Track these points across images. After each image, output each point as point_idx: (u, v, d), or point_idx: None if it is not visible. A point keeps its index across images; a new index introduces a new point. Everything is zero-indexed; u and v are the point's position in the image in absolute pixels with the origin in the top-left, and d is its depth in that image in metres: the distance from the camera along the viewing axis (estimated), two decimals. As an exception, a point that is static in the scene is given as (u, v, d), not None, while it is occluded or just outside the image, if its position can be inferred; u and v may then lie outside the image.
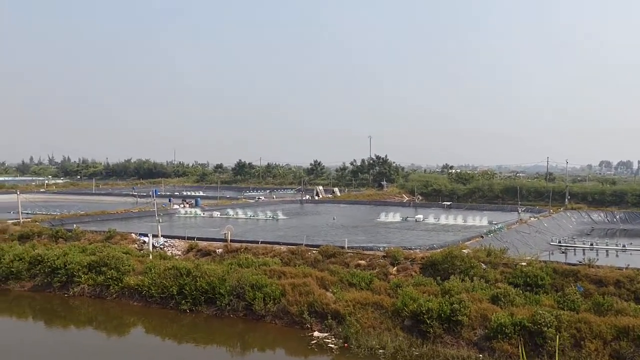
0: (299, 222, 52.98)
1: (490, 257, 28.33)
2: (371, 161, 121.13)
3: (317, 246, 32.76)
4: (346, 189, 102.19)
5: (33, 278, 29.82)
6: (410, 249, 31.62)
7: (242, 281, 25.17)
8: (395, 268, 28.68)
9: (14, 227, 42.23)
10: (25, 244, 34.96)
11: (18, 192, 53.42)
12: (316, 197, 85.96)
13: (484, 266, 27.15)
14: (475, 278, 25.19)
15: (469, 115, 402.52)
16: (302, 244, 33.29)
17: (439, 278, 25.71)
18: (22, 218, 46.95)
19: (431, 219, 54.05)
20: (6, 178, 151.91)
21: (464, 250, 29.21)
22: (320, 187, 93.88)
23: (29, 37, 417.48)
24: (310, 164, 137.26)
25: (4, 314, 26.97)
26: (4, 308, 27.52)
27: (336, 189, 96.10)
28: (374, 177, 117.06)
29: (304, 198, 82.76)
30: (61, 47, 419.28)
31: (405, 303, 22.09)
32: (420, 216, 55.60)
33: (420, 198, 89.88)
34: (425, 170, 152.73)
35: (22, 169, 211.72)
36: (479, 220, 52.16)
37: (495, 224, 47.44)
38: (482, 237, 38.90)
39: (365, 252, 31.28)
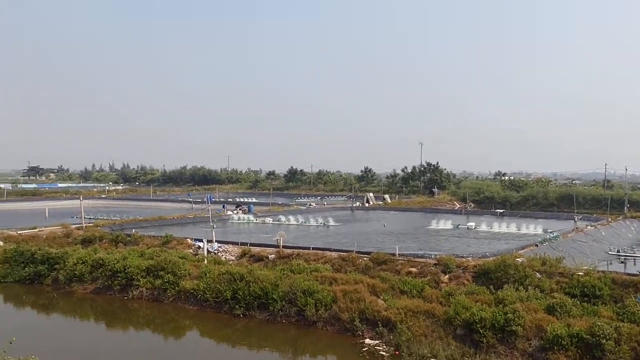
0: (349, 228, 52.90)
1: (546, 266, 27.53)
2: (422, 168, 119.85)
3: (368, 253, 32.61)
4: (397, 196, 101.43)
5: (95, 281, 30.78)
6: (462, 257, 31.05)
7: (294, 287, 25.31)
8: (446, 276, 28.24)
9: (77, 232, 43.85)
10: (88, 248, 36.18)
11: (81, 198, 55.50)
12: (367, 204, 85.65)
13: (538, 275, 26.39)
14: (529, 287, 24.50)
15: (522, 122, 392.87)
16: (352, 251, 33.19)
17: (492, 287, 25.14)
18: (85, 223, 48.67)
19: (483, 227, 52.99)
20: (70, 184, 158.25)
21: (518, 259, 28.48)
22: (371, 194, 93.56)
23: (103, 58, 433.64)
24: (361, 171, 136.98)
25: (69, 315, 27.93)
26: (68, 309, 28.50)
27: (387, 196, 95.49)
28: (425, 184, 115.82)
29: (354, 205, 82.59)
30: (129, 66, 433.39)
31: (457, 312, 21.71)
32: (472, 224, 54.57)
33: (472, 205, 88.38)
34: (477, 178, 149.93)
35: (85, 176, 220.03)
36: (533, 228, 50.76)
37: (551, 232, 46.05)
38: (537, 245, 37.80)
39: (416, 259, 30.92)
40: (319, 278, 26.85)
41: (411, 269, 29.45)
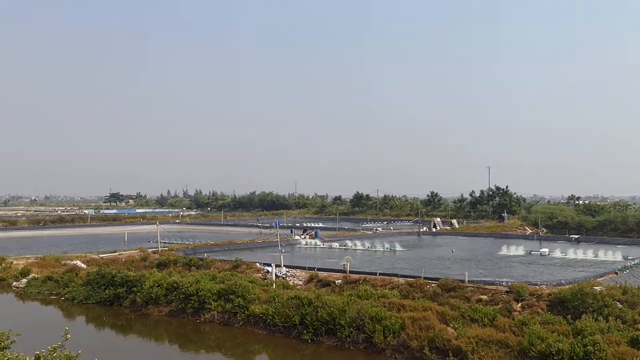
0: (416, 254, 51.84)
1: (627, 295, 25.80)
2: (490, 192, 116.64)
3: (436, 279, 31.76)
4: (464, 221, 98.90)
5: (169, 303, 31.39)
6: (535, 284, 29.66)
7: (361, 313, 24.85)
8: (519, 304, 27.00)
9: (153, 255, 45.16)
10: (163, 271, 37.10)
11: (157, 223, 57.30)
12: (434, 229, 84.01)
13: (619, 305, 24.75)
14: (610, 318, 23.00)
15: (597, 144, 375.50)
16: (420, 277, 32.42)
17: (569, 317, 23.76)
18: (160, 247, 50.11)
19: (557, 253, 50.55)
20: (147, 210, 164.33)
21: (596, 287, 26.85)
22: (438, 219, 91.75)
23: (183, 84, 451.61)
24: (427, 195, 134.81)
25: (145, 337, 28.52)
26: (145, 331, 29.13)
27: (454, 221, 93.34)
28: (493, 209, 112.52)
29: (421, 230, 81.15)
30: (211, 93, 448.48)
31: (532, 342, 20.58)
32: (546, 250, 52.16)
33: (545, 231, 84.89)
34: (549, 202, 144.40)
35: (161, 201, 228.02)
36: (611, 255, 47.92)
37: (631, 259, 43.37)
38: (616, 273, 35.68)
39: (486, 286, 29.80)
40: (386, 304, 26.27)
41: (481, 297, 28.39)
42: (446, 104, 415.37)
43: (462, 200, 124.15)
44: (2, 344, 15.91)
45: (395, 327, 23.81)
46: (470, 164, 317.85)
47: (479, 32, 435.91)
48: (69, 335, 13.89)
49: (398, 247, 55.75)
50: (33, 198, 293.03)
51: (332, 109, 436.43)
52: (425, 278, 32.09)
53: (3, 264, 44.59)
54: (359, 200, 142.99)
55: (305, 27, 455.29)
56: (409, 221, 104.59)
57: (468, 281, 30.54)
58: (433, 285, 30.62)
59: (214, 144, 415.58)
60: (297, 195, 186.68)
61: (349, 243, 59.32)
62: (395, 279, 32.97)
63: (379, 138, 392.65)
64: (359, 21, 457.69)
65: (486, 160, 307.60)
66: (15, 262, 45.06)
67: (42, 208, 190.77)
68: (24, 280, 40.05)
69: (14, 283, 40.38)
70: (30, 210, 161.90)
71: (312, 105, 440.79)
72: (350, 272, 35.22)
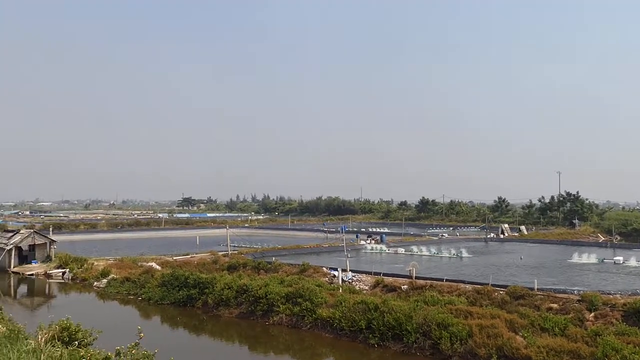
0: (483, 260, 50.73)
1: None
2: (561, 198, 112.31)
3: (504, 286, 31.03)
4: (533, 228, 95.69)
5: (239, 306, 32.15)
6: (609, 293, 28.44)
7: (428, 319, 24.62)
8: (592, 314, 25.98)
9: (223, 259, 46.42)
10: (233, 274, 38.04)
11: (227, 227, 58.75)
12: (501, 236, 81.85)
13: (701, 317, 23.38)
14: (691, 331, 21.78)
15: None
16: (488, 284, 31.78)
17: (646, 328, 22.66)
18: (230, 250, 51.40)
19: (633, 262, 48.13)
20: (217, 214, 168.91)
21: (676, 298, 25.47)
22: (506, 225, 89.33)
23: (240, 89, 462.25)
24: (494, 201, 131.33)
25: (216, 337, 29.36)
26: (216, 332, 29.99)
27: (522, 227, 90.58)
28: (564, 215, 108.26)
29: (488, 236, 79.27)
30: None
31: (606, 354, 19.75)
32: (620, 258, 49.78)
33: (619, 238, 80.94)
34: (623, 208, 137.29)
35: (230, 206, 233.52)
36: (693, 264, 45.26)
37: None
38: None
39: (557, 295, 28.84)
40: (453, 311, 25.91)
41: (552, 305, 27.52)
42: (514, 108, 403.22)
43: (530, 206, 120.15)
44: (86, 340, 16.94)
45: (463, 334, 23.44)
46: (539, 169, 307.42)
47: (552, 34, 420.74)
48: (142, 334, 14.63)
49: (464, 254, 54.78)
50: (112, 202, 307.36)
51: (398, 113, 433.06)
52: (492, 285, 31.43)
53: (85, 265, 47.09)
54: (425, 206, 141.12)
55: (381, 36, 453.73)
56: (475, 227, 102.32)
57: (537, 289, 29.69)
58: (501, 292, 29.94)
59: (281, 148, 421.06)
60: (362, 200, 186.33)
61: (415, 249, 58.79)
62: (462, 285, 32.46)
63: (445, 142, 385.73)
64: (435, 32, 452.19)
65: (556, 165, 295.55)
66: (96, 263, 47.46)
67: (120, 212, 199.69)
68: (104, 281, 42.13)
69: (95, 283, 42.56)
70: (109, 214, 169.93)
71: (379, 109, 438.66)
72: (416, 277, 34.97)
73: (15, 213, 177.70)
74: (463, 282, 33.54)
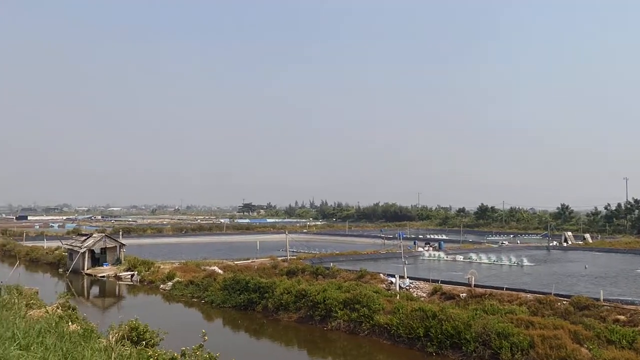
0: (546, 269, 49.05)
1: None
2: (628, 205, 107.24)
3: (568, 296, 29.88)
4: (599, 236, 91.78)
5: (298, 310, 32.33)
6: (681, 306, 26.89)
7: (487, 328, 24.00)
8: (663, 327, 24.59)
9: (282, 264, 46.90)
10: (292, 279, 38.36)
11: (286, 233, 59.45)
12: (564, 244, 78.92)
13: None
14: None
15: None
16: (550, 293, 30.69)
17: None
18: (289, 255, 51.91)
19: None
20: (276, 220, 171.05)
21: None
22: (569, 233, 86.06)
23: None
24: (557, 208, 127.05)
25: (276, 341, 29.60)
26: (276, 336, 30.27)
27: (587, 235, 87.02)
28: (632, 223, 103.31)
29: (550, 244, 76.60)
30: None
31: (678, 369, 18.71)
32: (693, 268, 47.08)
33: (692, 247, 76.37)
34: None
35: (289, 212, 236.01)
36: None
37: None
38: None
39: (624, 306, 27.50)
40: (514, 320, 25.15)
41: (619, 317, 26.23)
42: (579, 113, 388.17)
43: (595, 213, 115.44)
44: (153, 340, 17.53)
45: (524, 345, 22.70)
46: (604, 175, 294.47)
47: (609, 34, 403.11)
48: (207, 337, 14.99)
49: (525, 262, 53.16)
50: (176, 207, 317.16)
51: (456, 120, 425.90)
52: (555, 295, 30.34)
53: (152, 268, 48.67)
54: (484, 213, 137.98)
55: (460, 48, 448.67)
56: (537, 235, 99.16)
57: (603, 300, 28.41)
58: (564, 302, 28.85)
59: (338, 155, 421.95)
60: (419, 206, 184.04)
61: (474, 256, 57.55)
62: (523, 294, 31.48)
63: (504, 149, 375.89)
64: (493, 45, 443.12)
65: (623, 171, 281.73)
66: (162, 266, 48.98)
67: (184, 217, 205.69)
68: (170, 283, 43.40)
69: (161, 285, 43.90)
70: (174, 219, 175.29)
71: (433, 114, 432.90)
72: (475, 285, 34.20)
73: (88, 218, 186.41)
74: (524, 291, 32.53)
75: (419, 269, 47.30)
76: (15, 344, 7.12)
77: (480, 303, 29.63)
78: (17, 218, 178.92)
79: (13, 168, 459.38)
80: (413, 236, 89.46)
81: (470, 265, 47.42)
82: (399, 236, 70.84)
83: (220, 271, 44.22)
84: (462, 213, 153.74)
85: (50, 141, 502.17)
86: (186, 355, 14.76)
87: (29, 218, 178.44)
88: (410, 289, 35.69)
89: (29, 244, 73.29)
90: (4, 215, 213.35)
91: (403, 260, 41.46)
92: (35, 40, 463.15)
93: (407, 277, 37.52)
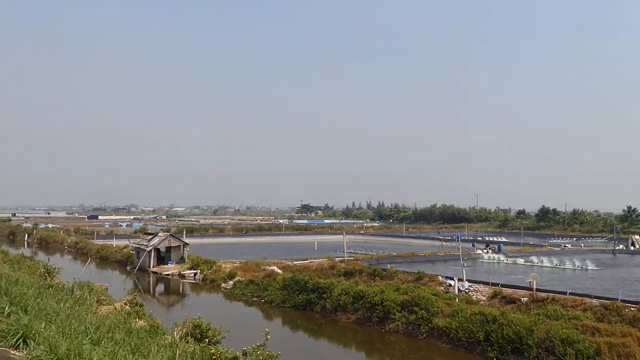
0: (611, 274, 46.87)
1: None
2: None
3: (636, 303, 28.45)
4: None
5: (356, 311, 32.17)
6: None
7: (551, 334, 23.10)
8: None
9: (340, 264, 46.84)
10: (350, 280, 38.21)
11: (344, 234, 59.38)
12: (632, 248, 75.18)
13: None
14: None
15: None
16: (617, 299, 29.25)
17: None
18: (347, 256, 51.81)
19: None
20: (334, 221, 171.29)
21: None
22: (637, 236, 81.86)
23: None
24: (623, 210, 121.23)
25: (334, 342, 29.59)
26: (334, 337, 30.24)
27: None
28: None
29: (616, 248, 73.10)
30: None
31: None
32: None
33: None
34: None
35: (346, 213, 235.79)
36: None
37: None
38: None
39: (699, 314, 25.87)
40: (578, 327, 24.09)
41: (693, 325, 24.69)
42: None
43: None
44: (215, 338, 17.81)
45: (590, 352, 21.72)
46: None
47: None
48: (269, 336, 15.09)
49: (590, 266, 50.94)
50: (237, 208, 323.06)
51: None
52: (622, 301, 28.90)
53: (214, 267, 49.68)
54: (545, 215, 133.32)
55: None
56: (601, 238, 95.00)
57: (675, 307, 26.83)
58: (632, 309, 27.43)
59: (397, 159, 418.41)
60: (478, 208, 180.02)
61: (535, 259, 55.68)
62: (588, 299, 30.16)
63: (565, 151, 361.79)
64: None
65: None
66: (223, 265, 49.92)
67: (244, 217, 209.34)
68: (231, 282, 44.17)
69: (223, 284, 44.74)
70: (234, 219, 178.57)
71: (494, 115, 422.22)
72: (537, 289, 33.04)
73: (153, 217, 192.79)
74: (589, 296, 31.18)
75: (478, 271, 46.19)
76: (87, 338, 7.37)
77: (542, 308, 28.58)
78: (88, 217, 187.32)
79: (86, 169, 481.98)
80: (471, 238, 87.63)
81: (531, 269, 45.82)
82: (457, 238, 69.42)
83: (279, 271, 44.61)
84: (522, 215, 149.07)
85: (120, 144, 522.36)
86: (247, 355, 14.89)
87: (99, 217, 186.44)
88: (469, 292, 34.86)
89: (100, 242, 76.45)
90: (77, 215, 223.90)
91: (462, 262, 40.56)
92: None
93: (466, 280, 36.68)
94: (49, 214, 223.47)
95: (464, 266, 38.96)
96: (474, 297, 33.69)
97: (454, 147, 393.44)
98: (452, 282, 36.18)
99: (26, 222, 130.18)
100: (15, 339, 6.03)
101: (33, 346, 5.84)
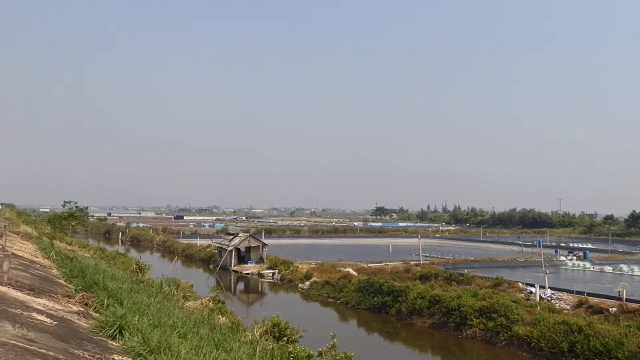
0: None
1: None
2: None
3: None
4: None
5: (432, 316, 31.63)
6: None
7: (643, 348, 21.67)
8: None
9: (415, 268, 46.21)
10: (425, 284, 37.58)
11: (419, 237, 58.45)
12: None
13: None
14: None
15: None
16: None
17: None
18: (422, 260, 51.00)
19: None
20: (408, 224, 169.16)
21: None
22: None
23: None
24: None
25: (410, 345, 29.26)
26: (410, 340, 29.90)
27: None
28: None
29: None
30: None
31: None
32: None
33: None
34: None
35: (421, 216, 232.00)
36: None
37: None
38: None
39: None
40: (674, 341, 22.44)
41: None
42: None
43: None
44: (293, 337, 18.07)
45: (687, 369, 20.19)
46: None
47: None
48: (336, 340, 15.14)
49: (688, 276, 47.27)
50: (313, 210, 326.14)
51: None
52: None
53: (291, 267, 50.42)
54: (636, 220, 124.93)
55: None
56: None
57: None
58: None
59: (475, 161, 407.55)
60: (561, 213, 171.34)
61: (625, 268, 52.30)
62: (686, 312, 27.98)
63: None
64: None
65: None
66: (300, 266, 50.57)
67: (320, 219, 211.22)
68: (307, 283, 44.66)
69: (300, 284, 45.32)
70: (310, 221, 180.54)
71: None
72: (627, 300, 31.05)
73: (234, 218, 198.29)
74: (687, 308, 28.92)
75: (561, 279, 44.08)
76: (175, 332, 7.69)
77: (633, 319, 26.79)
78: (174, 218, 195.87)
79: (171, 173, 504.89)
80: (554, 244, 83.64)
81: (620, 278, 43.10)
82: (539, 244, 66.61)
83: (354, 273, 44.61)
84: (609, 220, 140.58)
85: (201, 150, 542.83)
86: (323, 355, 15.04)
87: (184, 218, 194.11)
88: (552, 300, 33.31)
89: (185, 241, 79.70)
90: (164, 215, 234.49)
91: (544, 269, 38.83)
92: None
93: (549, 288, 35.09)
94: (140, 213, 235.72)
95: (546, 273, 37.30)
96: (556, 306, 32.15)
97: (536, 151, 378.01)
98: (533, 289, 34.73)
99: (120, 221, 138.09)
100: (112, 330, 6.39)
101: (128, 337, 6.16)
